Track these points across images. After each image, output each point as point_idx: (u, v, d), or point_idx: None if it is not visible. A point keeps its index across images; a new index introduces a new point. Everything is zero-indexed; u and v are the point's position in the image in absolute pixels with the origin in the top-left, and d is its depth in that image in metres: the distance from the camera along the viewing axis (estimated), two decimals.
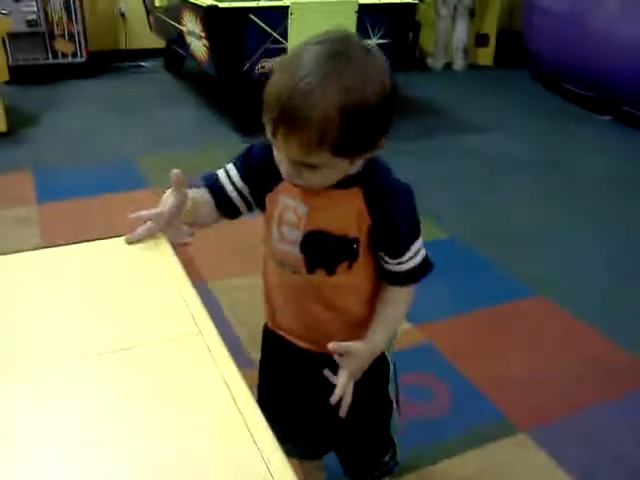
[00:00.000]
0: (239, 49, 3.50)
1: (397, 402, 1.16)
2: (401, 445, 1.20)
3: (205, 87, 4.97)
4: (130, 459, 0.64)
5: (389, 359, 1.10)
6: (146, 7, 5.26)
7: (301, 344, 1.06)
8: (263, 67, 3.58)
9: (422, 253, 0.97)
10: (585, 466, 1.52)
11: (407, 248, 0.95)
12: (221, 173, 1.04)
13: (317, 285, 0.97)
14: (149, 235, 0.99)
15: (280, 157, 0.87)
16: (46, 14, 4.76)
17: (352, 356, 0.93)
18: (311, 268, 0.96)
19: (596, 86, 4.44)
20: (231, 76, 3.70)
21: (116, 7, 5.63)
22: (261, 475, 0.63)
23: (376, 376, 1.07)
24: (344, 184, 0.90)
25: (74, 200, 2.89)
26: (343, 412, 0.94)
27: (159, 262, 0.99)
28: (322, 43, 0.83)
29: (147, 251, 1.02)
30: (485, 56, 5.94)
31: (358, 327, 0.99)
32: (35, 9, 4.66)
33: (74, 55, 5.01)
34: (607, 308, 2.18)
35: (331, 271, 0.95)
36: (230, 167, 1.03)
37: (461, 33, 5.69)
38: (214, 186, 1.03)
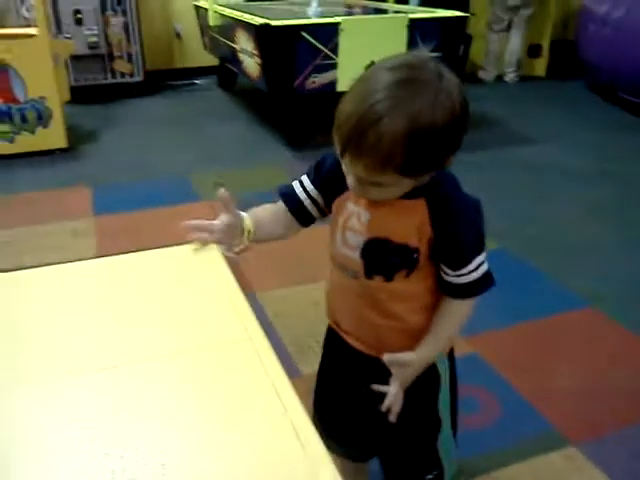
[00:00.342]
0: (290, 65, 3.56)
1: (453, 423, 1.13)
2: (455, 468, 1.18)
3: (257, 104, 5.07)
4: (177, 466, 0.66)
5: (441, 375, 1.08)
6: (201, 27, 5.41)
7: (356, 345, 1.07)
8: (314, 82, 3.64)
9: (484, 267, 0.96)
10: None
11: (469, 261, 0.94)
12: (295, 183, 1.08)
13: (374, 291, 0.99)
14: (203, 242, 1.07)
15: (348, 171, 0.90)
16: (106, 36, 4.95)
17: (405, 367, 0.96)
18: (369, 274, 0.98)
19: None
20: (282, 92, 3.77)
21: (172, 28, 5.81)
22: None
23: (425, 389, 1.07)
24: (410, 194, 0.92)
25: (129, 213, 2.99)
26: (393, 417, 0.96)
27: (210, 270, 1.03)
28: (395, 68, 0.84)
29: (198, 260, 1.06)
30: (538, 67, 5.86)
31: (413, 336, 1.00)
32: (96, 32, 4.87)
33: (132, 75, 5.20)
34: None
35: (389, 278, 0.97)
36: (304, 177, 1.07)
37: (515, 45, 5.61)
38: (288, 195, 1.08)
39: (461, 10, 4.03)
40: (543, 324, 2.08)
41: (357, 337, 1.07)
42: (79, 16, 4.78)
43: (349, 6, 5.19)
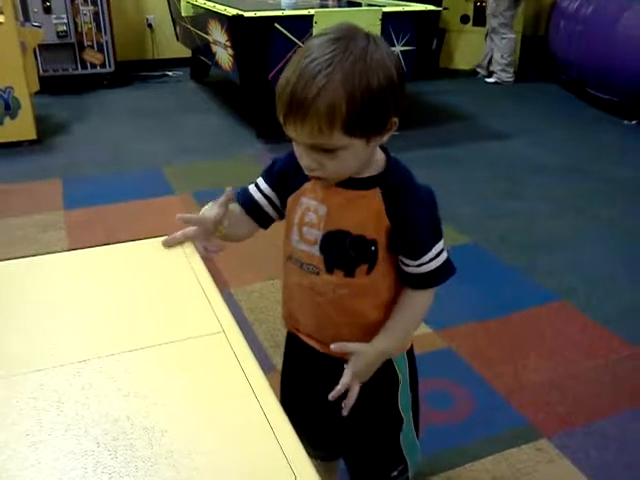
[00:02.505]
0: (264, 58, 3.54)
1: (415, 418, 1.12)
2: (419, 463, 1.18)
3: (229, 95, 5.04)
4: (150, 459, 0.65)
5: (399, 373, 1.07)
6: (173, 18, 5.35)
7: (316, 346, 1.05)
8: None
9: (444, 256, 0.96)
10: (607, 473, 1.50)
11: (428, 249, 0.94)
12: (251, 185, 1.08)
13: (335, 287, 0.97)
14: (185, 240, 1.06)
15: (299, 151, 0.89)
16: (76, 25, 4.87)
17: (357, 356, 0.94)
18: (330, 269, 0.97)
19: (621, 91, 4.40)
20: (255, 84, 3.74)
21: (144, 18, 5.73)
22: (285, 476, 0.64)
23: (383, 387, 1.06)
24: (364, 185, 0.92)
25: (100, 206, 2.95)
26: (346, 411, 0.94)
27: (184, 264, 1.02)
28: (328, 32, 0.86)
29: (172, 254, 1.05)
30: None
31: (373, 332, 0.99)
32: (65, 21, 4.78)
33: (102, 65, 5.12)
34: (630, 315, 2.15)
35: (350, 273, 0.96)
36: (259, 179, 1.07)
37: (506, 48, 5.47)
38: (244, 197, 1.07)
39: (434, 4, 4.05)
40: (515, 318, 2.11)
41: (317, 338, 1.05)
42: (48, 4, 4.69)
43: None
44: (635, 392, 1.78)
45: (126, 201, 3.01)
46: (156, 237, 1.13)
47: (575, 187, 3.29)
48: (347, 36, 0.84)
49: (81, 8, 4.84)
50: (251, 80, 3.74)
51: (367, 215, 0.93)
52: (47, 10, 4.70)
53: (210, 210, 1.02)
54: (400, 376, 1.07)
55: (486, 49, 5.63)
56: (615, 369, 1.88)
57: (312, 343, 1.06)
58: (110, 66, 5.15)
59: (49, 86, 4.86)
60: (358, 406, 0.97)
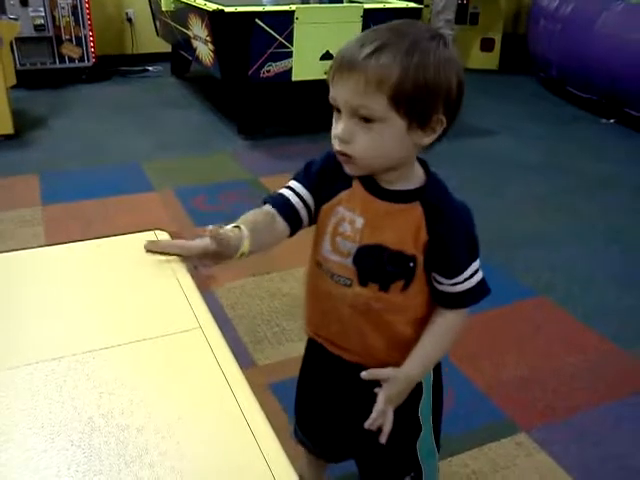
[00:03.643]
0: (244, 53, 3.52)
1: (436, 426, 1.10)
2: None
3: (210, 91, 5.00)
4: (125, 457, 0.65)
5: (423, 382, 1.04)
6: (153, 12, 5.30)
7: (341, 354, 1.03)
8: (268, 71, 3.61)
9: (479, 275, 0.95)
10: (585, 466, 1.52)
11: (464, 269, 0.93)
12: (284, 190, 1.01)
13: (367, 300, 0.94)
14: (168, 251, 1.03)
15: (336, 117, 0.87)
16: (54, 18, 4.80)
17: (389, 382, 0.92)
18: (364, 282, 0.94)
19: (600, 90, 4.45)
20: (236, 80, 3.72)
21: (123, 12, 5.67)
22: (261, 473, 0.64)
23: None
24: (404, 198, 0.90)
25: (79, 202, 2.92)
26: (384, 438, 0.92)
27: (161, 260, 1.01)
28: (395, 23, 0.87)
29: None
30: (490, 60, 5.95)
31: (403, 347, 0.96)
32: (43, 14, 4.70)
33: (81, 59, 5.05)
34: (608, 310, 2.18)
35: (384, 288, 0.93)
36: (292, 183, 1.01)
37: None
38: (280, 201, 0.99)
39: (415, 1, 4.05)
40: (495, 314, 2.12)
41: (342, 346, 1.02)
42: None
43: None
44: (613, 386, 1.80)
45: (105, 197, 2.98)
46: (134, 233, 1.12)
47: (554, 184, 3.31)
48: (407, 26, 0.86)
49: (59, 1, 4.77)
50: (232, 75, 3.72)
51: (407, 230, 0.90)
52: (24, 3, 4.62)
53: (204, 241, 0.92)
54: (424, 385, 1.05)
55: None
56: (593, 364, 1.90)
57: (333, 349, 1.04)
58: (89, 60, 5.09)
59: (26, 80, 4.78)
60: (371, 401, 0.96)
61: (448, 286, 0.94)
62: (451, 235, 0.91)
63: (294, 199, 0.98)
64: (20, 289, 0.94)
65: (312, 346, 1.12)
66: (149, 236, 1.08)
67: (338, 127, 0.86)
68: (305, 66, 3.67)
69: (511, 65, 5.91)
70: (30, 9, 4.66)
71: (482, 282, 0.96)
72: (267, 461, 0.65)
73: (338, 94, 0.85)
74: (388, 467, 1.12)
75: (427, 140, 0.88)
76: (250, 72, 3.57)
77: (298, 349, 1.91)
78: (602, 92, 4.45)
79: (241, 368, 0.78)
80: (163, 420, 0.69)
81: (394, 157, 0.88)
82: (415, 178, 0.93)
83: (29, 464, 0.64)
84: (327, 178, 0.96)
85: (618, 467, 1.53)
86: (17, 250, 1.06)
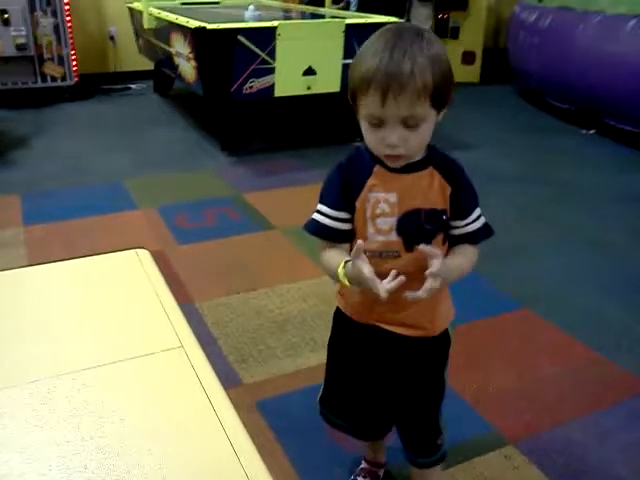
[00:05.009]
0: (227, 70, 3.53)
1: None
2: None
3: (193, 108, 5.01)
4: (112, 478, 0.64)
5: (451, 341, 1.21)
6: (135, 30, 5.31)
7: (391, 329, 1.14)
8: (251, 87, 3.61)
9: (483, 219, 1.13)
10: (571, 478, 1.52)
11: (473, 209, 1.11)
12: (325, 220, 1.11)
13: (416, 261, 1.03)
14: None
15: (384, 132, 0.97)
16: (35, 38, 4.79)
17: (439, 261, 0.99)
18: (410, 247, 1.06)
19: (579, 100, 4.50)
20: (219, 97, 3.73)
21: (106, 30, 5.68)
22: None
23: (439, 354, 1.21)
24: (419, 167, 1.05)
25: (62, 222, 2.89)
26: (435, 281, 0.98)
27: (144, 279, 1.00)
28: (386, 29, 0.98)
29: (132, 269, 1.03)
30: (472, 74, 6.02)
31: (439, 298, 1.13)
32: (24, 33, 4.70)
33: (63, 78, 5.04)
34: (591, 321, 2.19)
35: (428, 244, 1.04)
36: (324, 209, 1.11)
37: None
38: (333, 234, 1.11)
39: (397, 16, 4.09)
40: (478, 326, 2.12)
41: (397, 321, 1.13)
42: (6, 16, 4.61)
43: (286, 10, 5.19)
44: (598, 396, 1.80)
45: (88, 216, 2.96)
46: (116, 252, 1.11)
47: (535, 195, 3.34)
48: (411, 29, 0.98)
49: (40, 20, 4.77)
50: (215, 92, 3.73)
51: (433, 190, 1.06)
52: (5, 22, 4.62)
53: (363, 266, 0.99)
54: (451, 343, 1.21)
55: None
56: (578, 375, 1.90)
57: (388, 327, 1.14)
58: (71, 79, 5.08)
59: (7, 100, 4.77)
60: (417, 369, 1.16)
61: (463, 227, 1.10)
62: (463, 182, 1.09)
63: (344, 226, 1.10)
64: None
65: (359, 333, 1.19)
66: (130, 255, 1.07)
67: (390, 137, 0.97)
68: (288, 82, 3.68)
69: (492, 78, 5.98)
70: (12, 28, 4.66)
71: (487, 224, 1.14)
72: (247, 476, 0.64)
73: (388, 111, 0.95)
74: (422, 430, 1.25)
75: (441, 117, 1.03)
76: (233, 89, 3.57)
77: (284, 366, 1.91)
78: (581, 103, 4.51)
79: (227, 387, 0.78)
80: (144, 442, 0.68)
81: (427, 141, 1.03)
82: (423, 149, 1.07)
83: None
84: (350, 181, 1.08)
85: (604, 478, 1.52)
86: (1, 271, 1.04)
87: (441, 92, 0.97)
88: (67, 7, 4.87)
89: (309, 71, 3.70)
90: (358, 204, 1.07)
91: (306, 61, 3.69)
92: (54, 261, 1.09)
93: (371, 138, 1.01)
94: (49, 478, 0.62)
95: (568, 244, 2.76)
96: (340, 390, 1.29)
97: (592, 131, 4.49)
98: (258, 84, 3.63)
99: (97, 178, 3.53)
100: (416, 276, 1.03)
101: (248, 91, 3.62)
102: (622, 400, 1.79)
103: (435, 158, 1.08)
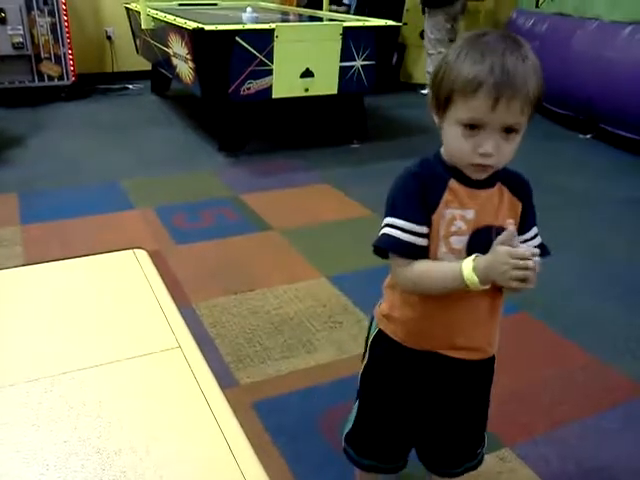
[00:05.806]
0: (224, 71, 3.53)
1: None
2: None
3: (190, 109, 5.00)
4: (109, 476, 0.64)
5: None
6: (133, 30, 5.30)
7: (460, 356, 1.08)
8: (248, 89, 3.62)
9: (539, 237, 1.11)
10: None
11: (533, 226, 1.09)
12: (406, 236, 0.99)
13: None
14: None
15: (479, 140, 0.93)
16: (32, 37, 4.78)
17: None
18: None
19: (577, 106, 4.52)
20: (216, 97, 3.73)
21: (103, 30, 5.67)
22: None
23: (491, 372, 1.17)
24: (491, 183, 1.01)
25: (58, 221, 2.88)
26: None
27: (141, 279, 1.00)
28: (477, 35, 0.95)
29: (130, 269, 1.02)
30: None
31: (497, 322, 1.13)
32: (21, 32, 4.69)
33: (60, 78, 5.03)
34: (587, 324, 2.19)
35: None
36: (403, 223, 0.99)
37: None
38: (415, 250, 0.99)
39: (394, 20, 4.10)
40: None
41: (466, 346, 1.08)
42: (2, 15, 4.60)
43: (284, 13, 5.20)
44: (594, 399, 1.81)
45: (85, 216, 2.95)
46: (113, 252, 1.10)
47: (534, 199, 3.34)
48: (506, 35, 0.97)
49: (38, 19, 4.77)
50: (212, 93, 3.73)
51: (504, 205, 1.02)
52: (2, 21, 4.61)
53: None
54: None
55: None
56: (574, 378, 1.90)
57: (456, 354, 1.08)
58: (68, 79, 5.07)
59: (4, 99, 4.76)
60: (473, 390, 1.14)
61: (526, 242, 1.05)
62: (528, 196, 1.08)
63: (423, 241, 0.99)
64: None
65: (410, 360, 1.11)
66: (128, 255, 1.06)
67: (486, 145, 0.93)
68: (285, 83, 3.68)
69: None
70: (9, 27, 4.65)
71: (544, 244, 1.11)
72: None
73: (496, 117, 0.91)
74: (469, 444, 1.23)
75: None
76: (230, 90, 3.57)
77: (280, 367, 1.91)
78: (579, 108, 4.53)
79: (224, 387, 0.78)
80: (141, 442, 0.68)
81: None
82: None
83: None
84: (426, 193, 0.99)
85: None
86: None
87: (539, 102, 0.96)
88: (64, 6, 4.87)
89: (307, 73, 3.71)
90: (434, 220, 0.99)
91: (304, 63, 3.69)
92: (51, 261, 1.08)
93: (463, 145, 0.95)
94: (47, 478, 0.62)
95: (566, 248, 2.76)
96: (376, 424, 1.19)
97: (589, 136, 4.50)
98: (256, 85, 3.63)
99: (94, 178, 3.52)
100: (488, 298, 1.04)
101: (246, 92, 3.62)
102: (619, 403, 1.80)
103: (501, 173, 1.03)
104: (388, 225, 1.00)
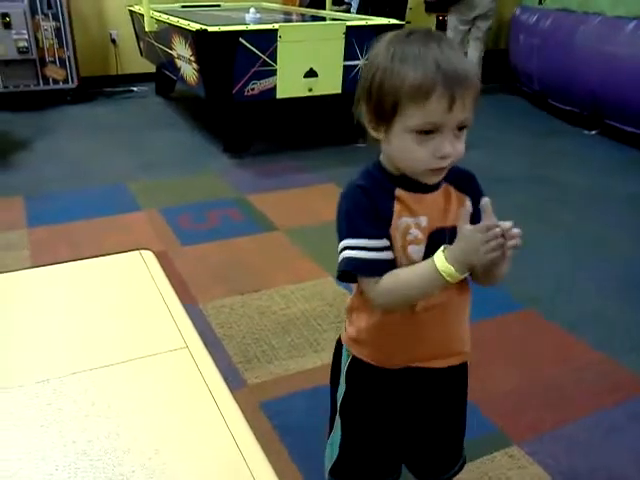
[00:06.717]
0: (228, 72, 3.53)
1: None
2: None
3: (195, 110, 5.01)
4: (118, 477, 0.64)
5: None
6: (136, 33, 5.32)
7: (437, 365, 1.06)
8: (252, 89, 3.62)
9: None
10: (575, 477, 1.52)
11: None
12: (366, 254, 0.94)
13: (446, 289, 0.96)
14: None
15: (436, 144, 0.88)
16: (37, 41, 4.80)
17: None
18: None
19: (581, 101, 4.50)
20: (220, 99, 3.74)
21: (107, 33, 5.69)
22: None
23: (466, 373, 1.15)
24: (436, 186, 0.97)
25: (65, 224, 2.89)
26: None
27: (148, 280, 1.00)
28: (404, 34, 0.91)
29: (137, 270, 1.03)
30: None
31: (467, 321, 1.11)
32: (26, 36, 4.71)
33: (65, 81, 5.05)
34: (593, 320, 2.19)
35: None
36: (363, 241, 0.93)
37: (473, 59, 5.39)
38: (382, 265, 0.94)
39: (397, 18, 4.10)
40: (481, 327, 2.12)
41: (442, 353, 1.06)
42: (7, 19, 4.62)
43: (287, 13, 5.20)
44: (600, 396, 1.81)
45: (91, 218, 2.96)
46: (120, 253, 1.11)
47: (537, 195, 3.34)
48: (431, 30, 0.92)
49: (42, 23, 4.78)
50: (216, 94, 3.73)
51: (452, 206, 0.98)
52: (7, 26, 4.63)
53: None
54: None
55: None
56: (581, 374, 1.90)
57: (433, 364, 1.06)
58: (73, 82, 5.09)
59: (10, 102, 4.78)
60: (453, 396, 1.12)
61: None
62: (475, 188, 1.03)
63: (387, 255, 0.94)
64: (5, 311, 0.93)
65: (386, 380, 1.08)
66: (134, 256, 1.07)
67: (445, 147, 0.89)
68: (289, 84, 3.69)
69: (493, 79, 5.98)
70: (13, 32, 4.67)
71: None
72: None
73: (453, 116, 0.87)
74: (458, 448, 1.21)
75: None
76: (234, 91, 3.58)
77: (288, 367, 1.91)
78: (583, 104, 4.51)
79: (231, 387, 0.78)
80: (150, 442, 0.69)
81: None
82: None
83: None
84: (377, 206, 0.94)
85: (608, 478, 1.52)
86: (3, 273, 1.05)
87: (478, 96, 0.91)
88: (68, 10, 4.89)
89: (310, 73, 3.71)
90: (392, 232, 0.94)
91: (307, 63, 3.69)
92: (58, 263, 1.09)
93: (418, 153, 0.89)
94: (56, 478, 0.62)
95: (571, 244, 2.76)
96: (363, 451, 1.15)
97: (594, 132, 4.49)
98: (260, 86, 3.64)
99: (100, 180, 3.54)
100: (453, 303, 1.03)
101: (250, 93, 3.63)
102: (626, 399, 1.79)
103: (446, 173, 0.97)
104: (348, 248, 0.94)
